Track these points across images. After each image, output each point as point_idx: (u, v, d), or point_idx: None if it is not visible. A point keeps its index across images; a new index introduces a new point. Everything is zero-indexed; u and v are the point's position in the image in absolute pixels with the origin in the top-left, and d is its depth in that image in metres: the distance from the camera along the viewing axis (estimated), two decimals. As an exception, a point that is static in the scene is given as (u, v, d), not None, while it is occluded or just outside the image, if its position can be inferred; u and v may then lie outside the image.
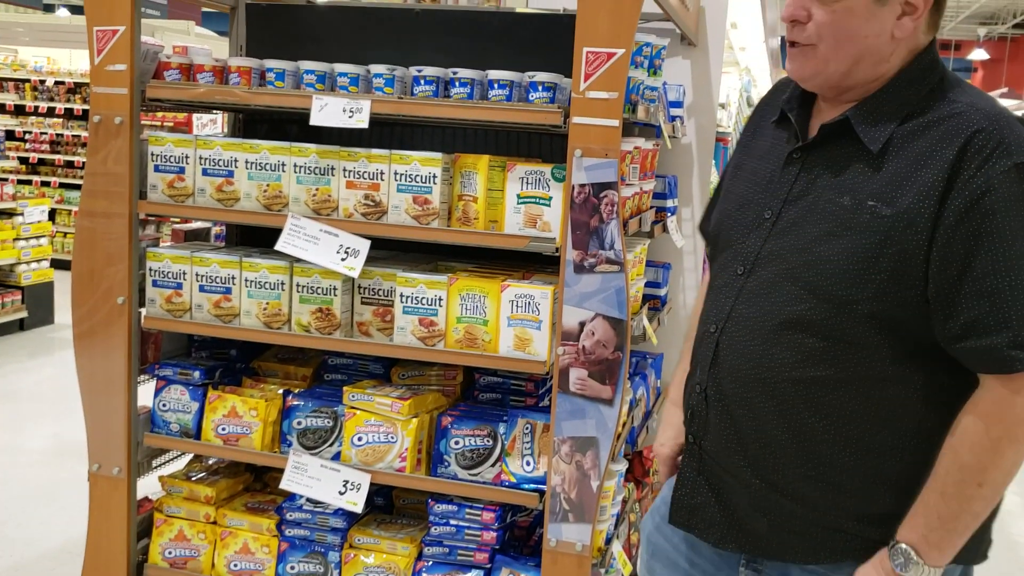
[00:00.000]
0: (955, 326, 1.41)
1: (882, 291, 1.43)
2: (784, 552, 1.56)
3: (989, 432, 1.40)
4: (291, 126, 2.90)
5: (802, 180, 1.54)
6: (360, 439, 2.45)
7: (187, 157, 2.50)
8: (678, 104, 3.25)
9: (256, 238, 2.84)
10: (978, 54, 22.99)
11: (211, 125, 6.12)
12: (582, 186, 2.23)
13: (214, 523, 2.64)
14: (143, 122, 2.54)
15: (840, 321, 1.45)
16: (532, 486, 2.37)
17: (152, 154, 2.52)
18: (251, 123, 3.01)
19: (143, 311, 2.58)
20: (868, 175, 1.46)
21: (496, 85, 2.35)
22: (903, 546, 1.46)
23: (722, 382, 1.57)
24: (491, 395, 2.60)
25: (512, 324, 2.32)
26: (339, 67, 2.47)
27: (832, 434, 1.49)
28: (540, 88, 2.33)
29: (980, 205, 1.38)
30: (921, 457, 1.47)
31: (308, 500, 2.55)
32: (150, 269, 2.55)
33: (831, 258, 1.45)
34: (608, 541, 2.46)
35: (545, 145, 2.76)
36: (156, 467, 2.82)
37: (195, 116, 6.04)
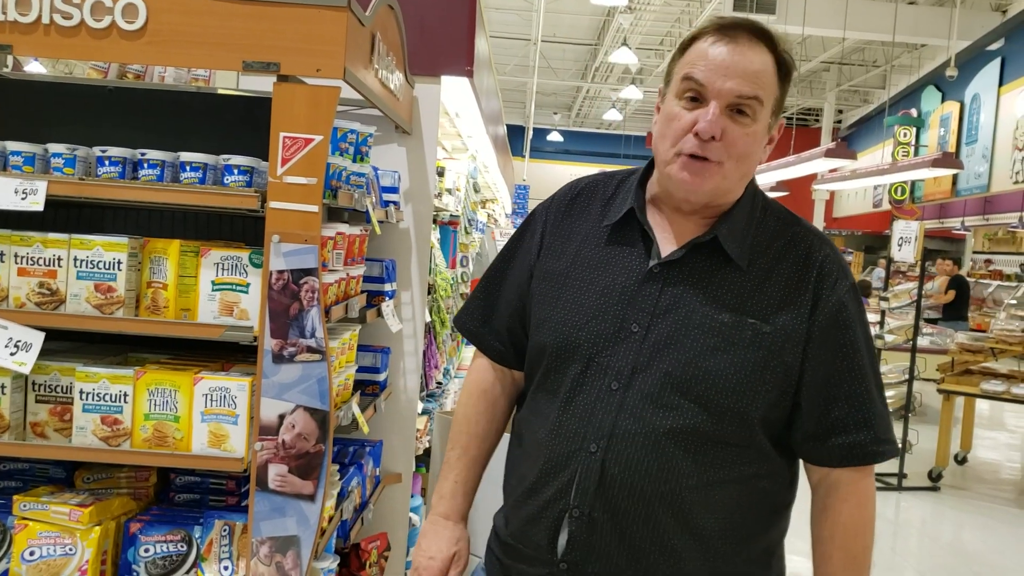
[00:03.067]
0: (823, 426, 1.55)
1: (769, 400, 1.52)
2: None
3: (864, 517, 1.58)
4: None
5: (668, 294, 1.54)
6: (32, 553, 2.19)
7: None
8: (393, 190, 3.27)
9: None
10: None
11: None
12: (281, 272, 2.16)
13: None
14: None
15: (732, 428, 1.51)
16: (230, 592, 2.21)
17: None
18: (-85, 202, 2.69)
19: None
20: (740, 293, 1.53)
21: (188, 167, 2.25)
22: None
23: (617, 501, 1.51)
24: (189, 496, 2.42)
25: (206, 419, 2.19)
26: (11, 145, 2.27)
27: (724, 529, 1.54)
28: (236, 171, 2.25)
29: (838, 321, 1.53)
30: (776, 532, 1.63)
31: (-30, 628, 2.25)
32: None
33: (720, 372, 1.49)
34: (315, 645, 2.33)
35: (249, 228, 2.66)
36: None
37: None
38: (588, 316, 1.57)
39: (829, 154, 11.54)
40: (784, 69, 1.55)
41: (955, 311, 12.46)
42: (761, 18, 12.90)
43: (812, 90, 21.00)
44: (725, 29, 1.52)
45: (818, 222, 20.87)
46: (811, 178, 15.39)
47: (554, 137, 26.87)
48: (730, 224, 1.56)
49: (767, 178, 14.73)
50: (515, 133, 18.08)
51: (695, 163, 1.51)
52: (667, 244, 1.58)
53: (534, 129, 17.57)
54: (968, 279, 14.10)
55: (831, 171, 13.86)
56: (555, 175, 27.33)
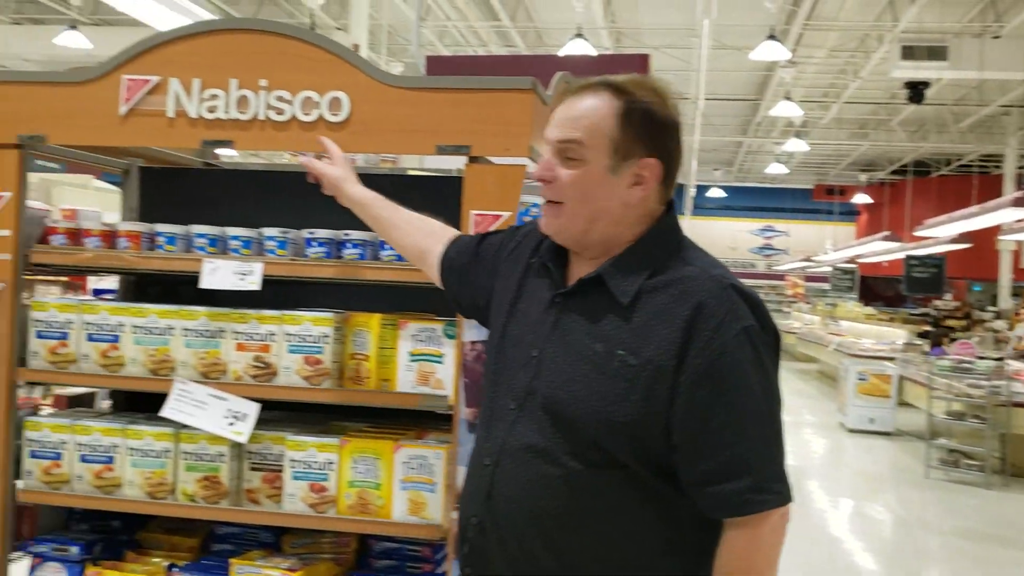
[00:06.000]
0: (696, 474, 1.55)
1: (630, 432, 1.55)
2: None
3: (750, 565, 1.55)
4: (184, 287, 2.86)
5: (561, 323, 1.66)
6: (248, 613, 2.33)
7: (71, 323, 2.45)
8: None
9: (144, 402, 2.76)
10: (860, 198, 24.34)
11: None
12: (473, 343, 2.25)
13: None
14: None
15: (595, 456, 1.57)
16: (430, 657, 2.28)
17: (34, 320, 2.46)
18: (143, 285, 2.96)
19: (18, 483, 2.45)
20: (618, 325, 1.60)
21: (387, 246, 2.38)
22: None
23: (498, 514, 1.63)
24: (387, 562, 2.51)
25: (406, 487, 2.28)
26: (231, 230, 2.48)
27: (597, 557, 1.58)
28: (431, 249, 2.36)
29: (717, 366, 1.54)
30: (667, 569, 1.59)
31: None
32: (27, 439, 2.44)
33: (583, 397, 1.58)
34: None
35: (441, 300, 2.76)
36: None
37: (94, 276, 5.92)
38: (512, 343, 1.72)
39: (1017, 203, 10.90)
40: (635, 113, 1.62)
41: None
42: (933, 65, 12.42)
43: (991, 136, 19.97)
44: (574, 90, 1.67)
45: (1005, 274, 19.65)
46: (996, 229, 14.57)
47: (715, 193, 26.60)
48: (618, 263, 1.65)
49: (947, 230, 14.05)
50: (676, 191, 18.05)
51: (545, 206, 1.70)
52: (572, 279, 1.72)
53: (696, 186, 17.49)
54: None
55: (1018, 221, 13.08)
56: (718, 231, 26.96)
